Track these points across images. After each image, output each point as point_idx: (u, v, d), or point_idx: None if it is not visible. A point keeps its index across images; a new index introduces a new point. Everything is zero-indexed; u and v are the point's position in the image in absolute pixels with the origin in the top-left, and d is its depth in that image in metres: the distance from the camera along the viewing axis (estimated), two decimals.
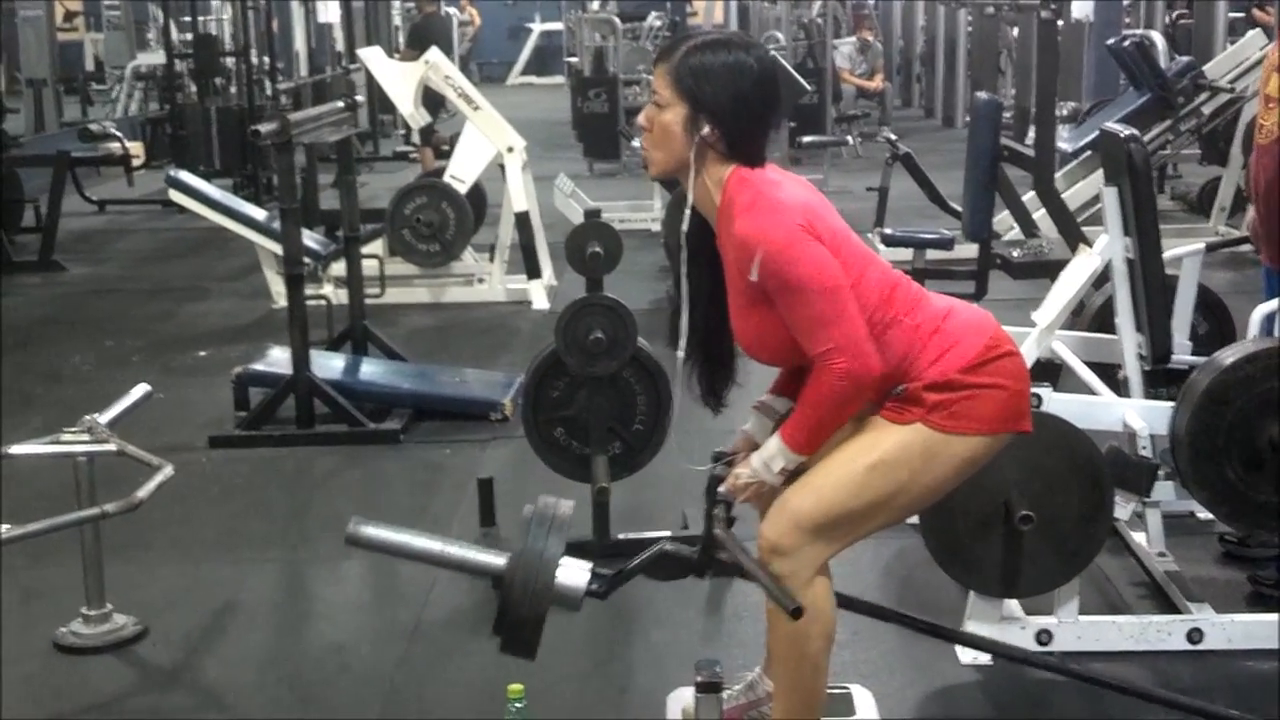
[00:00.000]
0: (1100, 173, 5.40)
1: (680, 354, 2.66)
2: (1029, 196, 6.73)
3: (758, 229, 2.42)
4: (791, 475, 2.56)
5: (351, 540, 2.55)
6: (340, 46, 15.61)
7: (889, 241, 6.41)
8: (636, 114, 7.65)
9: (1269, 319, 3.52)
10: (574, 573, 2.50)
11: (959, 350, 2.49)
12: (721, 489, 2.59)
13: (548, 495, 2.59)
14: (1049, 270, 5.52)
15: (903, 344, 2.49)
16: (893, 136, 8.05)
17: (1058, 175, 7.15)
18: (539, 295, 7.34)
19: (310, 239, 6.84)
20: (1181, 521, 3.65)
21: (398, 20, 17.98)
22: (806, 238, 2.41)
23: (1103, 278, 4.00)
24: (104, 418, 3.57)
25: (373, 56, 8.09)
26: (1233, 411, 3.20)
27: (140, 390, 3.80)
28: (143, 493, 3.35)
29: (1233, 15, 12.12)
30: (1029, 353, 3.74)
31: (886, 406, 2.51)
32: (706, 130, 2.47)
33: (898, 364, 2.49)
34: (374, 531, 2.57)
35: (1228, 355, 3.27)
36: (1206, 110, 8.01)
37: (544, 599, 2.45)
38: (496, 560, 2.52)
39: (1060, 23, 9.11)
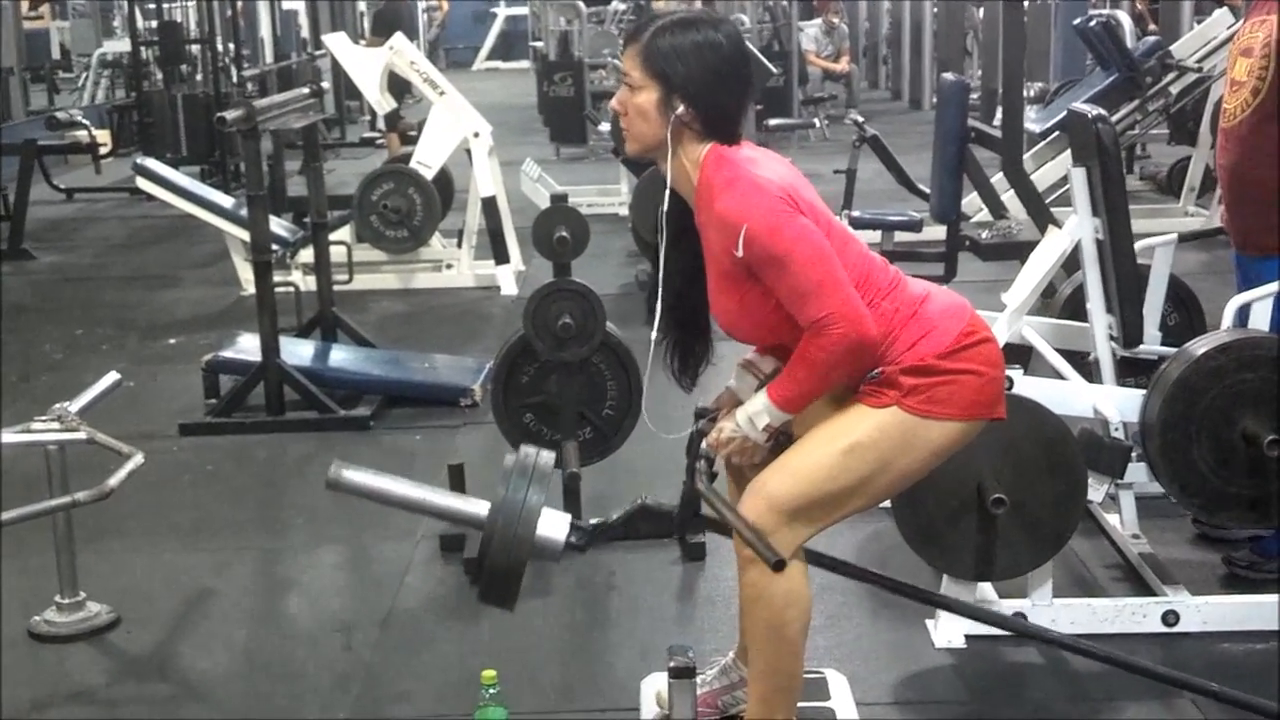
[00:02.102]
0: (1068, 153, 5.44)
1: (655, 335, 2.64)
2: (997, 178, 6.75)
3: (740, 206, 2.42)
4: (770, 452, 2.57)
5: (332, 484, 2.54)
6: (305, 33, 15.52)
7: (857, 224, 6.40)
8: (603, 98, 7.69)
9: (1243, 310, 3.53)
10: (554, 524, 2.49)
11: (936, 335, 2.50)
12: (704, 444, 2.58)
13: (528, 445, 2.58)
14: (1018, 251, 5.54)
15: (880, 326, 2.48)
16: (860, 119, 8.05)
17: (1026, 156, 7.17)
18: (507, 280, 7.33)
19: (278, 226, 6.80)
20: (1155, 503, 3.67)
21: (362, 6, 17.89)
22: (789, 210, 2.41)
23: (1073, 263, 4.01)
24: (74, 406, 3.55)
25: (338, 43, 8.06)
26: (1205, 402, 3.20)
27: (110, 379, 3.78)
28: (114, 481, 3.33)
29: None
30: (999, 335, 3.74)
31: (862, 389, 2.51)
32: (681, 110, 2.47)
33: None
34: (355, 476, 2.55)
35: (1200, 345, 3.27)
36: (1174, 90, 8.04)
37: (524, 549, 2.43)
38: (478, 509, 2.50)
39: (1026, 3, 9.14)
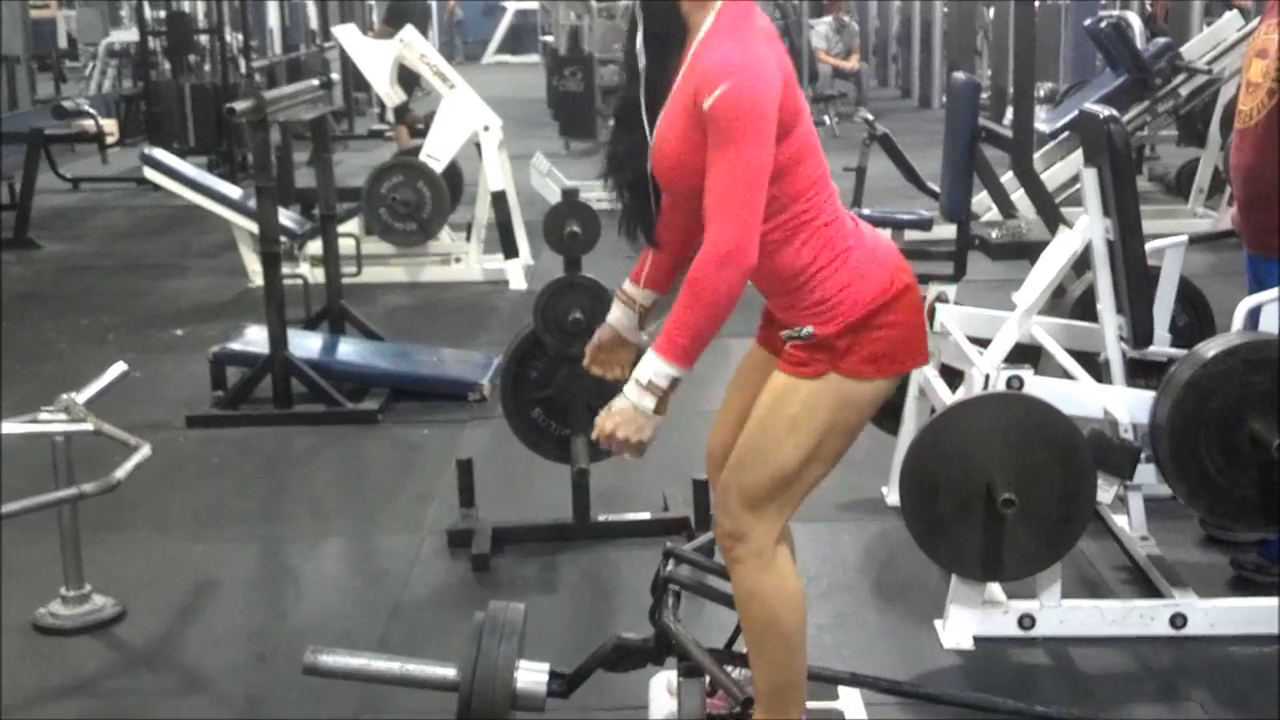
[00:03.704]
0: (1078, 153, 5.41)
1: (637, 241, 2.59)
2: (1007, 177, 6.74)
3: (736, 68, 2.28)
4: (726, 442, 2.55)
5: (310, 669, 2.59)
6: (314, 24, 15.51)
7: (867, 222, 6.39)
8: (612, 93, 7.68)
9: (1254, 312, 3.51)
10: (532, 676, 2.55)
11: (865, 285, 2.41)
12: (594, 436, 2.42)
13: (498, 600, 2.62)
14: (1028, 251, 5.52)
15: (809, 252, 2.40)
16: (870, 117, 8.03)
17: (1036, 156, 7.16)
18: (516, 275, 7.32)
19: (286, 217, 6.80)
20: (1163, 504, 3.66)
21: None
22: (769, 115, 2.30)
23: (1083, 264, 4.00)
24: (81, 397, 3.55)
25: (347, 34, 8.03)
26: (1214, 405, 3.19)
27: (117, 369, 3.78)
28: (120, 473, 3.33)
29: None
30: (1009, 335, 3.74)
31: (791, 357, 2.43)
32: None
33: (798, 272, 2.41)
34: (331, 659, 2.60)
35: (1210, 348, 3.26)
36: (1184, 91, 8.03)
37: (505, 708, 2.49)
38: (446, 672, 2.57)
39: (1037, 3, 9.11)
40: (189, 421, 5.06)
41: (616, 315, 2.66)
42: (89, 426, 3.48)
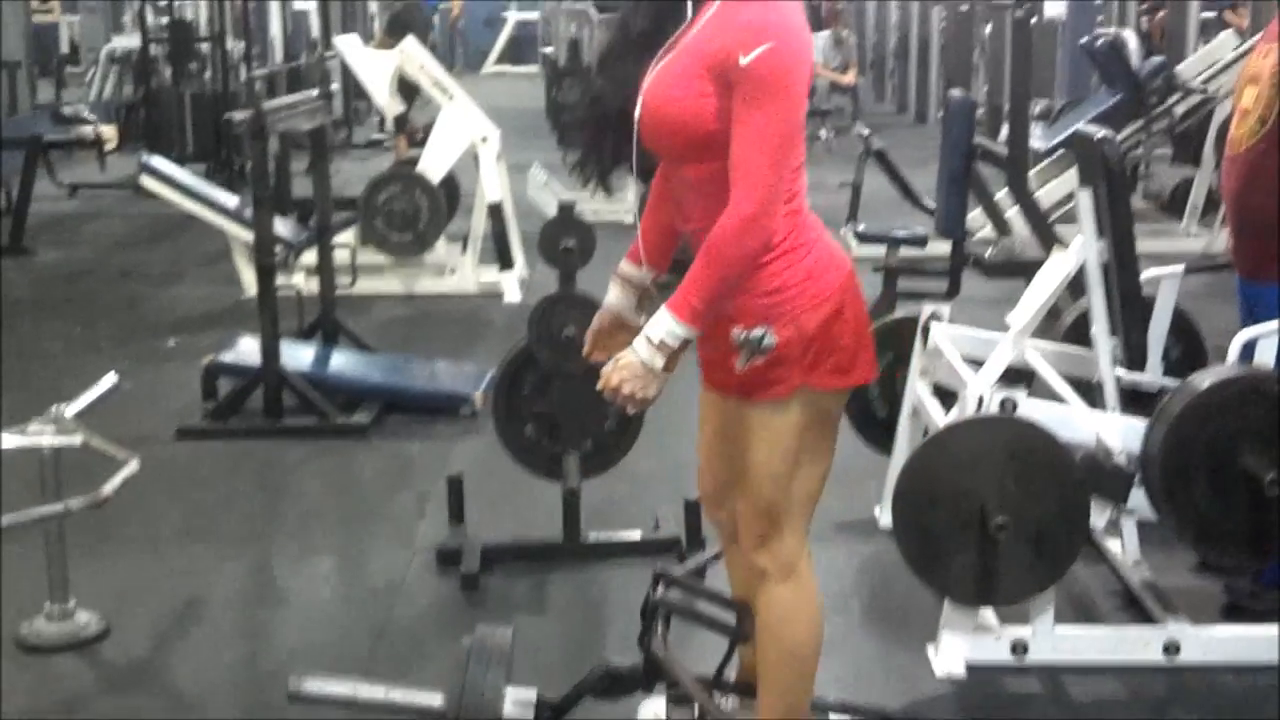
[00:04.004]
0: (1072, 171, 5.40)
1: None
2: (1001, 194, 6.74)
3: (780, 29, 2.23)
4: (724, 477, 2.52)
5: (294, 696, 2.60)
6: (315, 33, 15.50)
7: (863, 238, 6.39)
8: None
9: (1249, 345, 3.49)
10: (520, 704, 2.55)
11: (823, 282, 2.36)
12: (599, 387, 2.36)
13: (485, 624, 2.60)
14: (1022, 270, 5.52)
15: (781, 231, 2.33)
16: (866, 132, 8.03)
17: (1030, 173, 7.16)
18: (511, 287, 7.31)
19: (282, 227, 6.77)
20: (1157, 529, 3.64)
21: (374, 7, 17.90)
22: (805, 81, 2.28)
23: (1078, 286, 3.98)
24: (71, 409, 3.53)
25: (349, 44, 8.05)
26: (1206, 438, 3.17)
27: (108, 381, 3.76)
28: (108, 488, 3.32)
29: (1204, 16, 12.18)
30: (1002, 357, 3.72)
31: (756, 380, 2.35)
32: None
33: (767, 249, 2.32)
34: (315, 685, 2.62)
35: (1204, 379, 3.24)
36: (1179, 111, 8.03)
37: None
38: (432, 700, 2.56)
39: (1034, 20, 9.12)
40: (179, 433, 5.04)
41: (615, 297, 2.61)
42: (78, 440, 3.45)
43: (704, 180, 2.34)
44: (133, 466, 3.40)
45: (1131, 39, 9.11)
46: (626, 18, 2.46)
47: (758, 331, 2.32)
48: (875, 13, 17.22)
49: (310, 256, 6.60)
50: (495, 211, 7.35)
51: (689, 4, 2.37)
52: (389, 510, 4.41)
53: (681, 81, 2.30)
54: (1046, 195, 7.33)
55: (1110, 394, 3.74)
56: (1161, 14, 13.35)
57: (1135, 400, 3.78)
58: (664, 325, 2.30)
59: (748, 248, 2.27)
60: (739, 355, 2.35)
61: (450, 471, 4.12)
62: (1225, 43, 8.23)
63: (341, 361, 5.64)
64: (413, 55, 7.60)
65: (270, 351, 5.08)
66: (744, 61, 2.21)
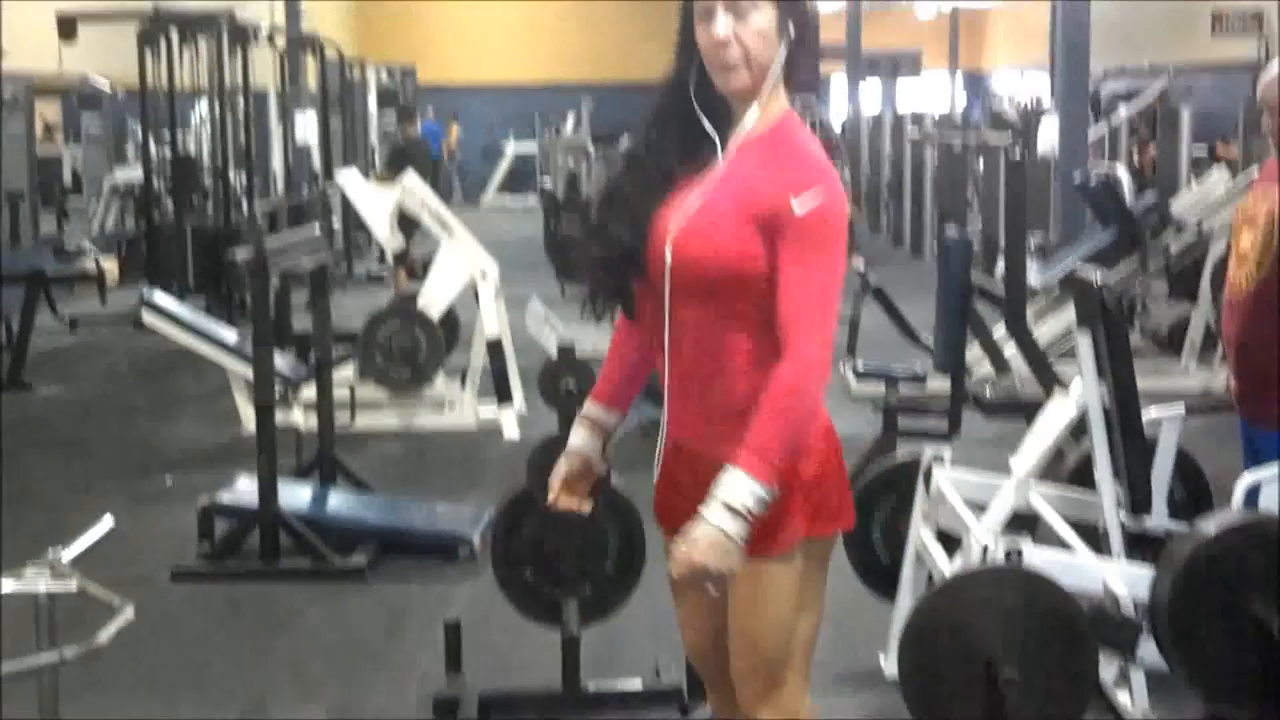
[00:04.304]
0: (1069, 308, 5.44)
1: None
2: (999, 331, 6.77)
3: (828, 177, 2.26)
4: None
5: None
6: (317, 165, 15.71)
7: (862, 375, 6.41)
8: None
9: (1253, 489, 3.48)
10: None
11: (813, 430, 2.30)
12: (670, 570, 2.20)
13: None
14: (1022, 409, 5.53)
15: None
16: (863, 269, 8.08)
17: (1028, 311, 7.20)
18: (510, 423, 7.30)
19: (281, 363, 6.78)
20: (1166, 679, 3.58)
21: (374, 139, 18.16)
22: (847, 225, 2.30)
23: (1081, 427, 3.97)
24: (67, 554, 3.50)
25: (350, 179, 8.15)
26: (1214, 584, 3.14)
27: (104, 524, 3.70)
28: (103, 637, 3.25)
29: (1196, 151, 12.40)
30: (1006, 503, 3.71)
31: (760, 536, 2.22)
32: (792, 33, 2.29)
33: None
34: None
35: (1210, 525, 3.22)
36: (1174, 248, 8.10)
37: None
38: None
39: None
40: (174, 575, 5.00)
41: (583, 441, 2.53)
42: (73, 586, 3.41)
43: (723, 320, 2.30)
44: (128, 614, 3.34)
45: (1124, 176, 9.25)
46: (634, 152, 2.44)
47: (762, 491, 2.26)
48: (869, 147, 17.47)
49: (309, 391, 6.61)
50: (494, 347, 7.38)
51: (718, 145, 2.36)
52: (386, 656, 4.35)
53: (721, 225, 2.27)
54: (1043, 332, 7.37)
55: (1115, 541, 3.72)
56: (1152, 148, 13.58)
57: (1141, 544, 3.75)
58: (744, 489, 2.16)
59: (816, 395, 2.23)
60: None
61: (448, 616, 4.07)
62: (1218, 179, 8.34)
63: (339, 501, 5.61)
64: (414, 191, 7.70)
65: (268, 493, 5.05)
66: (798, 212, 2.22)
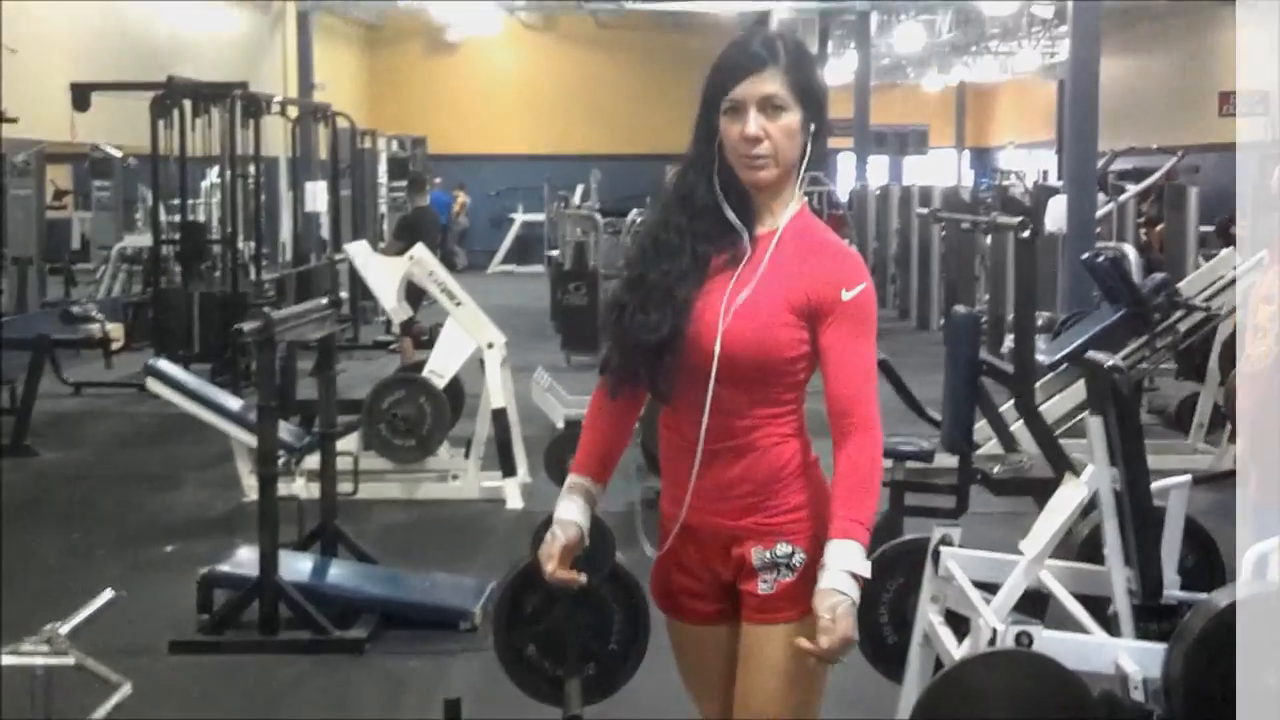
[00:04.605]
0: (1078, 385, 5.41)
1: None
2: (1006, 406, 6.74)
3: (863, 266, 2.41)
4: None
5: None
6: (326, 233, 15.78)
7: None
8: None
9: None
10: None
11: (826, 494, 2.39)
12: (824, 643, 2.22)
13: None
14: (1030, 487, 5.49)
15: (802, 448, 2.43)
16: None
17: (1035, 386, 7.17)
18: (513, 494, 7.26)
19: (285, 431, 6.76)
20: None
21: (383, 208, 18.25)
22: None
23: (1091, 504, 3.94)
24: (65, 627, 3.46)
25: (359, 251, 8.17)
26: (1228, 658, 3.10)
27: (104, 597, 3.68)
28: (99, 715, 3.22)
29: (1204, 229, 12.42)
30: (1016, 586, 3.66)
31: (776, 602, 2.37)
32: (813, 132, 2.42)
33: (792, 469, 2.41)
34: None
35: (1222, 598, 3.19)
36: (1182, 327, 8.08)
37: None
38: None
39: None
40: (173, 646, 4.94)
41: (580, 511, 2.55)
42: (70, 661, 3.38)
43: (757, 400, 2.39)
44: (125, 691, 3.31)
45: (1132, 255, 9.25)
46: (660, 237, 2.46)
47: (784, 548, 2.36)
48: (876, 220, 17.54)
49: (312, 460, 6.58)
50: (499, 418, 7.35)
51: (745, 237, 2.42)
52: None
53: (768, 317, 2.36)
54: (1051, 410, 7.33)
55: (1126, 624, 3.67)
56: (1160, 226, 13.62)
57: (1155, 614, 3.71)
58: (854, 556, 2.28)
59: (880, 457, 2.37)
60: (761, 577, 2.37)
61: (448, 692, 4.00)
62: (1226, 259, 8.33)
63: (340, 573, 5.56)
64: (423, 262, 7.71)
65: (268, 564, 5.01)
66: (847, 297, 2.35)
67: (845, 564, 2.26)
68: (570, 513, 2.55)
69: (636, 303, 2.42)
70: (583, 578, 2.55)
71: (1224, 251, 8.81)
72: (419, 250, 7.83)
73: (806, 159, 2.43)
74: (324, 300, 6.15)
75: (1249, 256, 7.62)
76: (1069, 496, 3.87)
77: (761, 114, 2.37)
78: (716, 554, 2.43)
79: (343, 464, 6.19)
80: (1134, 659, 3.33)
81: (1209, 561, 4.24)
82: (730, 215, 2.42)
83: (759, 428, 2.39)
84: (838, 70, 23.29)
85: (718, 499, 2.42)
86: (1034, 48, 23.14)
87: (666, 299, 2.40)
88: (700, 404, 2.39)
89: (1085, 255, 9.07)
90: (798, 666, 2.35)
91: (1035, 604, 3.83)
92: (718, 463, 2.41)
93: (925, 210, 14.20)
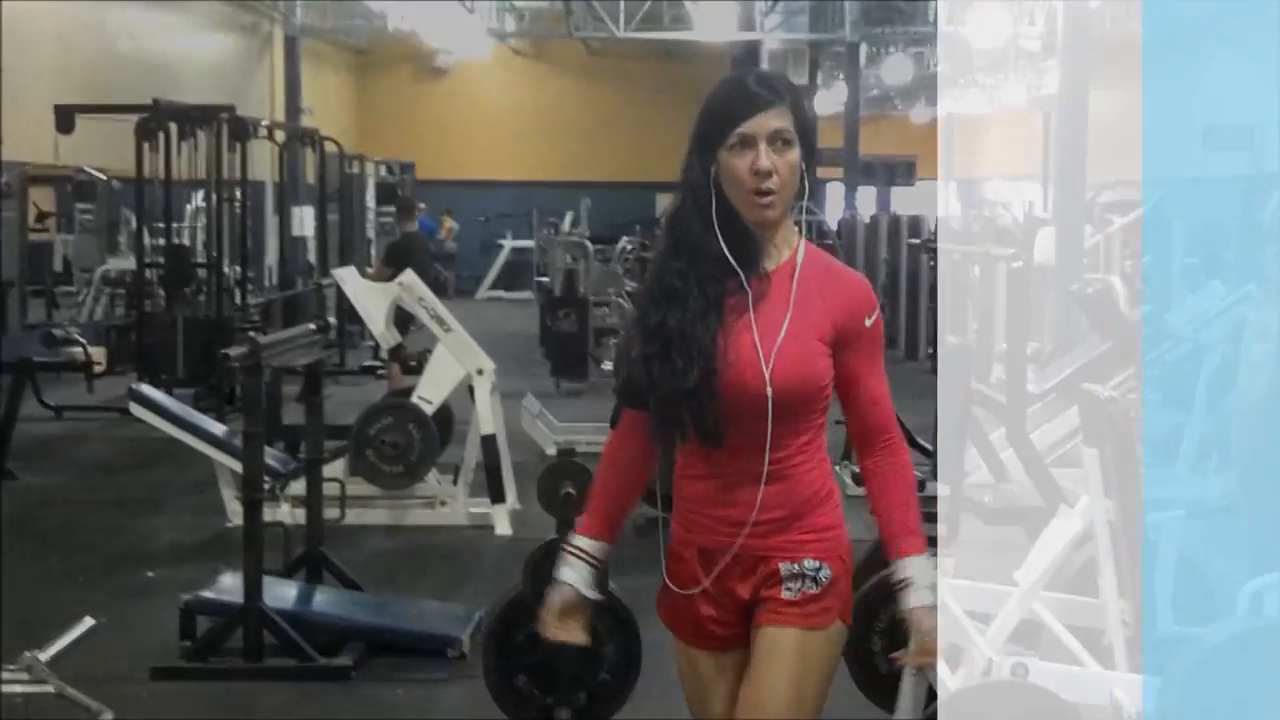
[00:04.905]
0: (1070, 412, 5.39)
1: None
2: (997, 434, 6.70)
3: (873, 293, 2.51)
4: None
5: None
6: (313, 258, 15.72)
7: (860, 478, 6.34)
8: (606, 335, 7.53)
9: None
10: None
11: (836, 499, 2.50)
12: (926, 657, 2.47)
13: None
14: (1021, 517, 5.46)
15: (827, 472, 2.50)
16: None
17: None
18: (502, 521, 7.20)
19: (270, 457, 6.70)
20: None
21: (371, 233, 18.20)
22: None
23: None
24: (45, 654, 3.42)
25: (347, 276, 8.12)
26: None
27: (84, 625, 3.65)
28: None
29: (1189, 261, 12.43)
30: (1011, 618, 3.63)
31: (800, 609, 2.42)
32: (805, 168, 2.47)
33: (817, 491, 2.47)
34: None
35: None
36: (1170, 359, 8.08)
37: None
38: None
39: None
40: (154, 673, 4.86)
41: (578, 573, 2.54)
42: (50, 689, 3.34)
43: (798, 429, 2.44)
44: (106, 718, 3.27)
45: (1120, 286, 9.24)
46: (667, 283, 2.46)
47: (811, 563, 2.42)
48: (865, 248, 17.55)
49: (298, 486, 6.52)
50: (488, 444, 7.30)
51: (743, 279, 2.44)
52: None
53: (806, 351, 2.43)
54: (1040, 438, 7.30)
55: (1120, 654, 3.64)
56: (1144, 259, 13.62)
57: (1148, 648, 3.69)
58: (927, 569, 2.44)
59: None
60: (786, 585, 2.43)
61: None
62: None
63: (325, 600, 5.49)
64: (412, 288, 7.66)
65: (252, 590, 4.94)
66: (869, 323, 2.48)
67: (923, 579, 2.43)
68: (566, 575, 2.55)
69: (660, 352, 2.43)
70: (581, 638, 2.56)
71: (1210, 283, 8.83)
72: (408, 276, 7.79)
73: (805, 194, 2.48)
74: (311, 325, 6.11)
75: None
76: (1063, 528, 3.85)
77: (770, 148, 2.39)
78: (737, 575, 2.46)
79: (329, 490, 6.13)
80: (1128, 691, 3.31)
81: (1202, 596, 4.23)
82: (729, 258, 2.42)
83: (794, 456, 2.44)
84: (827, 101, 23.36)
85: (766, 528, 2.46)
86: (1020, 80, 23.25)
87: (690, 344, 2.41)
88: (744, 443, 2.42)
89: (1073, 286, 9.10)
90: (806, 669, 2.41)
91: (1030, 638, 3.81)
92: (769, 493, 2.47)
93: (917, 240, 14.22)
